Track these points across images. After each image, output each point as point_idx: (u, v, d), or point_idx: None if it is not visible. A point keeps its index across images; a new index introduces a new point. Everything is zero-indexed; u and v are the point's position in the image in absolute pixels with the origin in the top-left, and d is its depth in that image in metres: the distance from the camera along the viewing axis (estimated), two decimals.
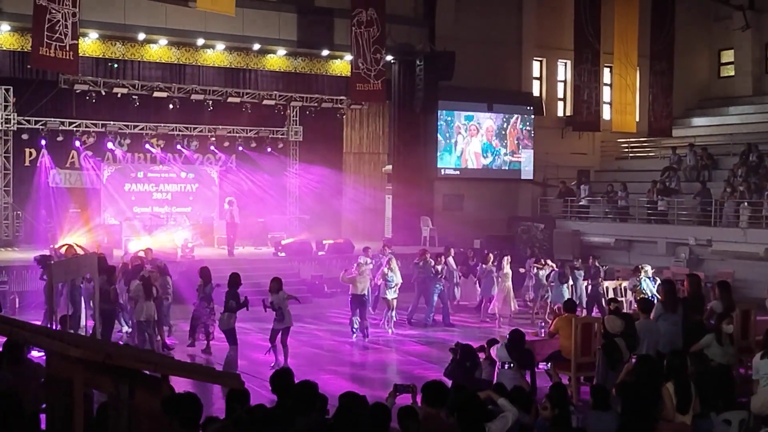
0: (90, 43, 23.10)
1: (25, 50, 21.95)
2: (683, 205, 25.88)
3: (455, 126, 28.83)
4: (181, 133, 26.08)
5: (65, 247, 17.80)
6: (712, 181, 26.60)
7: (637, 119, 31.35)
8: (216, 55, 25.02)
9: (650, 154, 31.73)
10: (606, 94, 31.79)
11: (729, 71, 33.96)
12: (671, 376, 8.21)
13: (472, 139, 29.12)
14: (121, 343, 14.84)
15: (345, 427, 5.89)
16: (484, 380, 10.38)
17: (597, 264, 20.08)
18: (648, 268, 18.99)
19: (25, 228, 23.86)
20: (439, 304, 19.16)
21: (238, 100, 25.77)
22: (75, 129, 24.48)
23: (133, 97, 24.43)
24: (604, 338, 11.23)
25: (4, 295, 17.86)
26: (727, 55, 33.97)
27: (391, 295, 17.97)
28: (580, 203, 28.88)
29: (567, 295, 18.16)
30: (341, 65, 26.59)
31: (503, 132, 29.65)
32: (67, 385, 5.80)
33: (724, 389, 8.47)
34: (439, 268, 19.10)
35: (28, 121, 23.79)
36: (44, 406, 6.72)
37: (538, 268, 20.05)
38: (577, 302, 17.68)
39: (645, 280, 18.34)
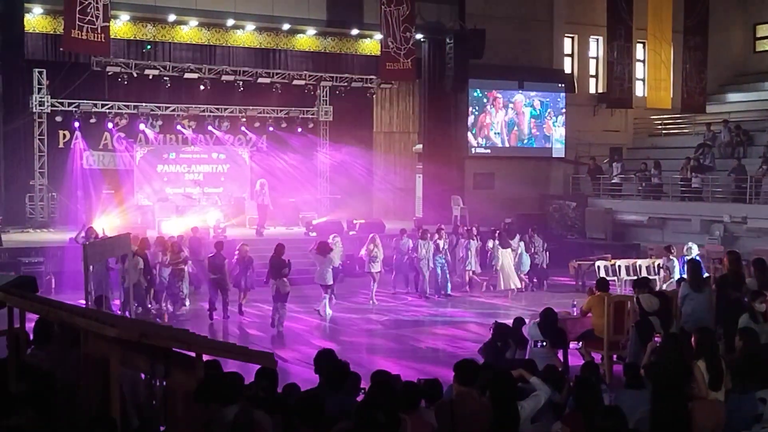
0: (121, 25, 23.26)
1: (58, 33, 22.16)
2: (718, 182, 25.56)
3: (486, 104, 28.67)
4: (212, 114, 26.18)
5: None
6: (747, 157, 26.22)
7: (671, 95, 30.96)
8: (246, 35, 25.06)
9: (684, 130, 31.33)
10: (639, 70, 31.43)
11: (765, 46, 33.35)
12: (701, 354, 8.16)
13: (503, 118, 28.94)
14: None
15: (378, 406, 5.91)
16: (515, 360, 10.38)
17: (536, 237, 21.40)
18: (694, 246, 18.59)
19: (60, 209, 24.13)
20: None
21: (268, 80, 25.78)
22: (107, 111, 24.65)
23: (165, 78, 24.54)
24: (639, 316, 11.16)
25: (40, 275, 18.06)
26: (763, 30, 33.35)
27: (376, 268, 19.26)
28: (613, 181, 28.62)
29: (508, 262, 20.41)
30: (371, 44, 26.52)
31: (534, 110, 29.43)
32: (103, 365, 5.88)
33: (762, 367, 8.38)
34: (441, 243, 20.23)
35: (62, 104, 23.99)
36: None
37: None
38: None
39: (674, 260, 18.36)
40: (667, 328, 10.85)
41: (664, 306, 11.13)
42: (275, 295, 16.11)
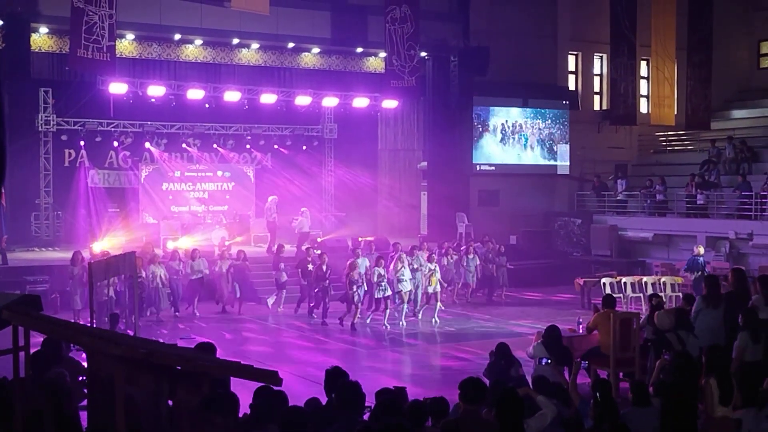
0: (126, 44, 23.35)
1: (63, 52, 22.26)
2: (723, 199, 25.53)
3: (490, 121, 28.69)
4: (217, 132, 26.26)
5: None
6: (752, 173, 26.19)
7: (675, 112, 30.97)
8: (251, 53, 25.17)
9: (689, 147, 31.32)
10: (643, 87, 31.44)
11: None
12: (712, 371, 8.11)
13: (507, 134, 28.94)
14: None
15: (384, 425, 5.88)
16: (519, 377, 10.32)
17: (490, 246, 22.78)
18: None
19: (65, 228, 24.17)
20: None
21: (273, 98, 25.85)
22: (113, 129, 24.74)
23: (170, 97, 24.62)
24: (654, 335, 11.10)
25: (45, 294, 18.05)
26: (767, 46, 33.40)
27: (406, 287, 18.97)
28: (618, 198, 28.58)
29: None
30: (375, 62, 26.60)
31: (538, 127, 29.45)
32: (109, 383, 5.86)
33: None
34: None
35: (67, 122, 24.08)
36: (84, 402, 6.80)
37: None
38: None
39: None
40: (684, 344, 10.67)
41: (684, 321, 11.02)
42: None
